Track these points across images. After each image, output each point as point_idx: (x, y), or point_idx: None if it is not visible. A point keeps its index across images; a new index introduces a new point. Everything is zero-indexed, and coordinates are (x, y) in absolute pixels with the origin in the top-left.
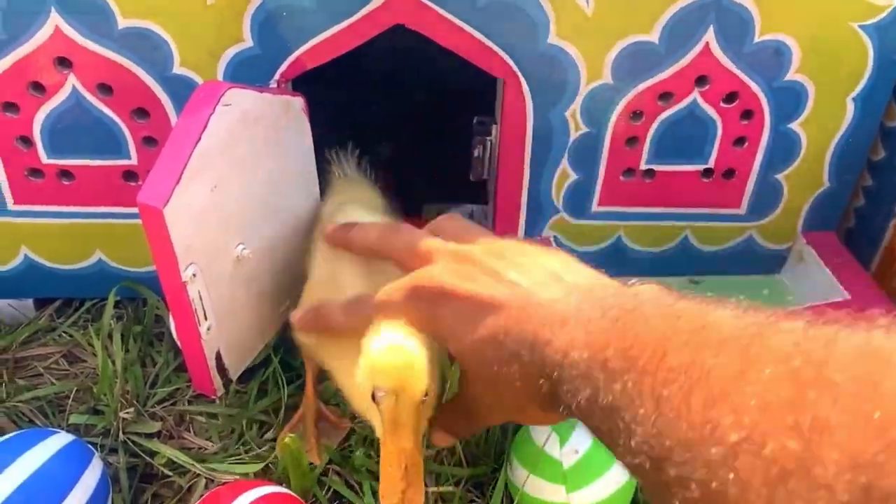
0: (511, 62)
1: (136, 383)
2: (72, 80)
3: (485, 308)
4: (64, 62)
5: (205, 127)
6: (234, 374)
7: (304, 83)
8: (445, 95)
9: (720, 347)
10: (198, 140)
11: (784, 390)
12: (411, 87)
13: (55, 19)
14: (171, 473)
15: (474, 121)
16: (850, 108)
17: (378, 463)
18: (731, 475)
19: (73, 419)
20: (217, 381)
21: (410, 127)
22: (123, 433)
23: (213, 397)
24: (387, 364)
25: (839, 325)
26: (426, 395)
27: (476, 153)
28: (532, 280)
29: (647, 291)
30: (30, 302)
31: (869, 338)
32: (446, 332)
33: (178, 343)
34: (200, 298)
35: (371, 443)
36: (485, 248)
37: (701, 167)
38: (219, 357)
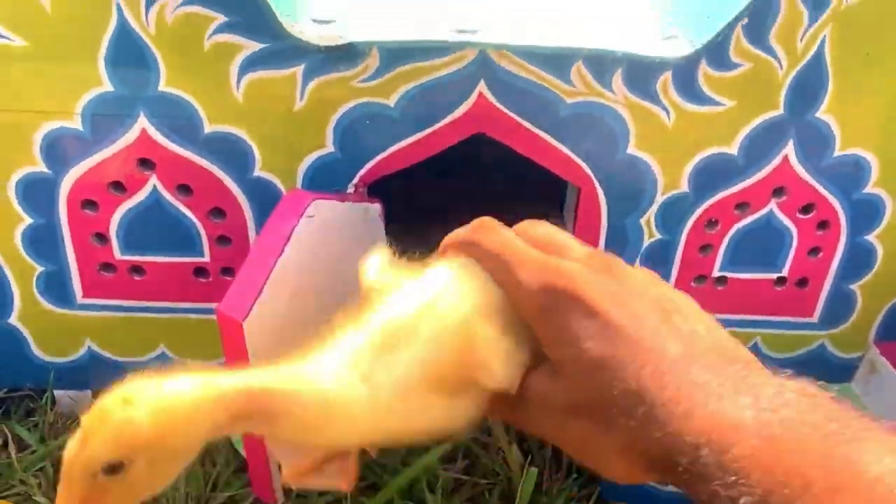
0: (589, 170)
1: (197, 485)
2: (153, 181)
3: (627, 345)
4: (146, 163)
5: (288, 240)
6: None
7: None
8: (513, 183)
9: None
10: (280, 253)
11: None
12: (476, 171)
13: (142, 123)
14: None
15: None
16: None
17: None
18: None
19: None
20: (278, 488)
21: (476, 211)
22: None
23: None
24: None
25: None
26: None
27: None
28: (698, 344)
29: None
30: (88, 393)
31: None
32: (557, 338)
33: (240, 447)
34: None
35: None
36: (632, 271)
37: (774, 276)
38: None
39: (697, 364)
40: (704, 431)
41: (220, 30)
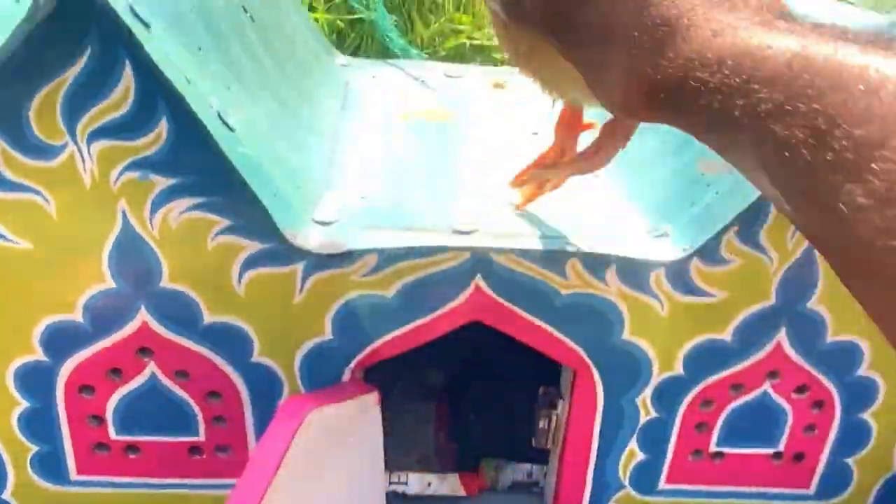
0: (585, 355)
1: None
2: (151, 367)
3: None
4: (145, 351)
5: (287, 449)
6: None
7: None
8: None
9: None
10: (279, 464)
11: None
12: (474, 343)
13: (143, 316)
14: None
15: (539, 391)
16: None
17: None
18: None
19: None
20: None
21: (473, 381)
22: None
23: None
24: None
25: None
26: None
27: (542, 424)
28: None
29: None
30: None
31: None
32: None
33: None
34: None
35: None
36: None
37: (771, 451)
38: None
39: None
40: (732, 47)
41: (222, 232)
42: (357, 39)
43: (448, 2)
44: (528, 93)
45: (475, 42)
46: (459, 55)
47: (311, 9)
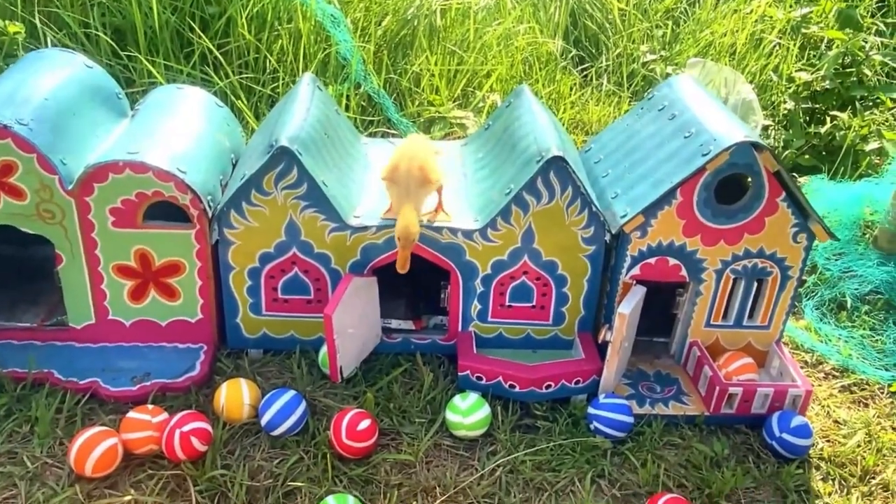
0: (454, 266)
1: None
2: (295, 269)
3: None
4: (294, 263)
5: (346, 288)
6: (346, 374)
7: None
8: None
9: None
10: (343, 291)
11: None
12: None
13: (294, 251)
14: None
15: (441, 283)
16: None
17: None
18: None
19: None
20: (340, 375)
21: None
22: None
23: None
24: None
25: None
26: None
27: (443, 296)
28: None
29: None
30: None
31: None
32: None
33: (324, 367)
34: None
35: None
36: None
37: (530, 304)
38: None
39: None
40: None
41: (324, 221)
42: (372, 115)
43: (426, 89)
44: (451, 154)
45: (440, 114)
46: (431, 121)
47: (346, 108)
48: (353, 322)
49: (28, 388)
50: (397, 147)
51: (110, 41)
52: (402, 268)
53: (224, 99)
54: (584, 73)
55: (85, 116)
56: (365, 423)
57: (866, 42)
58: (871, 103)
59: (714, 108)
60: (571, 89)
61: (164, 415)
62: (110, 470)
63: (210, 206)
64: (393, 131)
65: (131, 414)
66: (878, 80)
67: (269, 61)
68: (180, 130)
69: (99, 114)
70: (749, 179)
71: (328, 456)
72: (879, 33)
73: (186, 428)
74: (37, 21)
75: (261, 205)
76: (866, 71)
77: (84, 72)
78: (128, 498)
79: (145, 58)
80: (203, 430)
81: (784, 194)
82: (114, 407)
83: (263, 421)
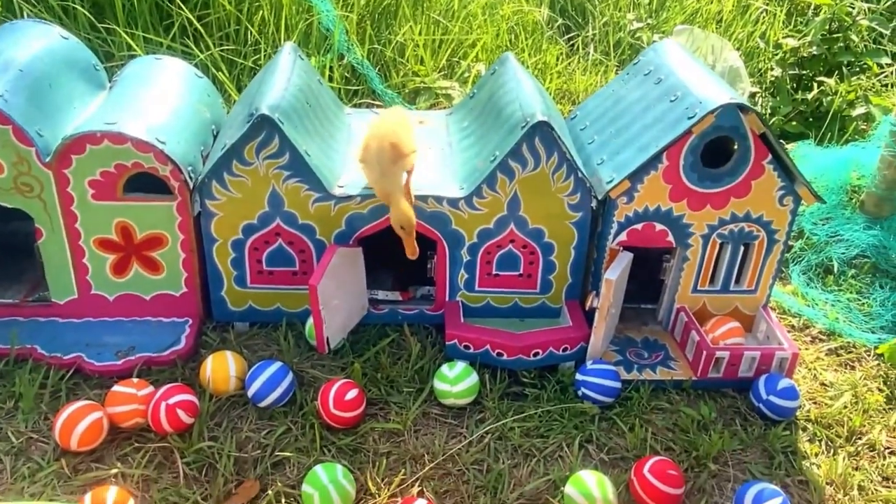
0: (440, 235)
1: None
2: (279, 241)
3: None
4: (278, 234)
5: (330, 259)
6: (333, 345)
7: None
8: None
9: None
10: (328, 262)
11: None
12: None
13: (278, 222)
14: None
15: (428, 254)
16: None
17: None
18: None
19: None
20: (327, 346)
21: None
22: None
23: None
24: None
25: None
26: None
27: (430, 266)
28: None
29: None
30: None
31: None
32: None
33: (311, 339)
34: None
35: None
36: None
37: (517, 273)
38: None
39: None
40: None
41: (307, 190)
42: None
43: (411, 59)
44: (436, 125)
45: (425, 85)
46: (416, 92)
47: (330, 79)
48: (339, 293)
49: (11, 363)
50: (369, 125)
51: (87, 14)
52: (413, 254)
53: (205, 71)
54: (571, 42)
55: (62, 88)
56: (352, 393)
57: (853, 7)
58: (857, 69)
59: (700, 72)
60: (558, 59)
61: (150, 388)
62: (96, 444)
63: (191, 178)
64: (378, 102)
65: (116, 387)
66: (865, 45)
67: (251, 32)
68: (159, 101)
69: (76, 85)
70: (735, 145)
71: (316, 426)
72: None
73: (172, 400)
74: None
75: (243, 175)
76: (853, 36)
77: (60, 43)
78: (114, 471)
79: (124, 30)
80: (189, 403)
81: (770, 157)
82: (98, 382)
83: (250, 392)
